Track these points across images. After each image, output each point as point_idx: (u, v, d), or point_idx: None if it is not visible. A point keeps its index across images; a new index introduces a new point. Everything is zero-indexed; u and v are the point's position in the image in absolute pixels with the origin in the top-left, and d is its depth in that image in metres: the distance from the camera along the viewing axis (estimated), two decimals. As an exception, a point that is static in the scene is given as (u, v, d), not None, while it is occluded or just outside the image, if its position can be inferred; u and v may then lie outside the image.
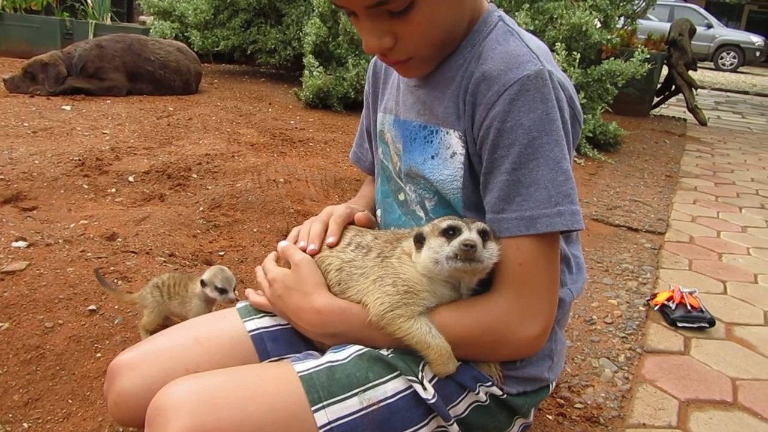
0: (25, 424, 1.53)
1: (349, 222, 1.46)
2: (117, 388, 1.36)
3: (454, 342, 1.21)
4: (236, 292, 1.83)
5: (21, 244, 2.19)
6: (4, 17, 8.33)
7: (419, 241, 1.20)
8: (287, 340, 1.43)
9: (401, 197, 1.45)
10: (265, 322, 1.47)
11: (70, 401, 1.62)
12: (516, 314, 1.18)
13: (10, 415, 1.53)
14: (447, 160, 1.28)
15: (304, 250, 1.38)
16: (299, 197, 3.49)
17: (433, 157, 1.31)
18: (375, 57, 1.59)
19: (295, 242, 1.43)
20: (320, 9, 6.04)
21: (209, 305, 1.85)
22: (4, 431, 1.51)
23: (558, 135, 1.14)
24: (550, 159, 1.13)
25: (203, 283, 1.80)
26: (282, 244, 1.46)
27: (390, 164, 1.49)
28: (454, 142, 1.26)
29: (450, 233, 1.15)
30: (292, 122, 5.43)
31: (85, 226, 2.75)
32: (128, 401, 1.34)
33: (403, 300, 1.22)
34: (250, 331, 1.45)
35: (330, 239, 1.37)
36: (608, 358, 2.34)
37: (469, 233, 1.13)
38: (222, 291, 1.80)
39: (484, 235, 1.14)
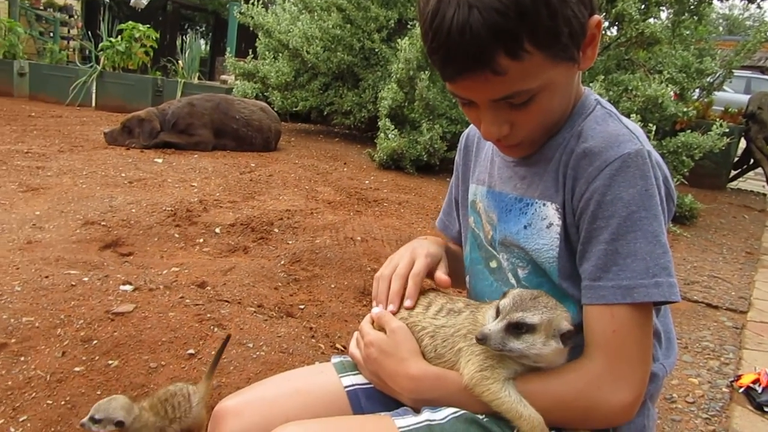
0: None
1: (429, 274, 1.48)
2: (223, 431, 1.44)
3: (545, 407, 1.23)
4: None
5: (128, 287, 2.37)
6: (104, 75, 9.05)
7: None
8: (380, 398, 1.48)
9: (493, 265, 1.51)
10: (360, 378, 1.53)
11: (169, 440, 1.72)
12: (608, 379, 1.21)
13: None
14: (542, 230, 1.33)
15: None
16: (375, 256, 3.59)
17: (526, 227, 1.37)
18: (466, 131, 1.69)
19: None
20: (398, 75, 6.29)
21: None
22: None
23: (656, 210, 1.19)
24: (648, 232, 1.18)
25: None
26: (375, 310, 1.52)
27: (482, 233, 1.56)
28: (550, 213, 1.32)
29: (497, 313, 1.18)
30: (367, 182, 5.61)
31: (176, 273, 2.92)
32: (232, 445, 1.42)
33: (489, 361, 1.26)
34: (346, 387, 1.52)
35: (407, 302, 1.40)
36: (691, 439, 2.27)
37: (491, 326, 1.16)
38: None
39: (518, 328, 1.16)
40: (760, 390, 2.55)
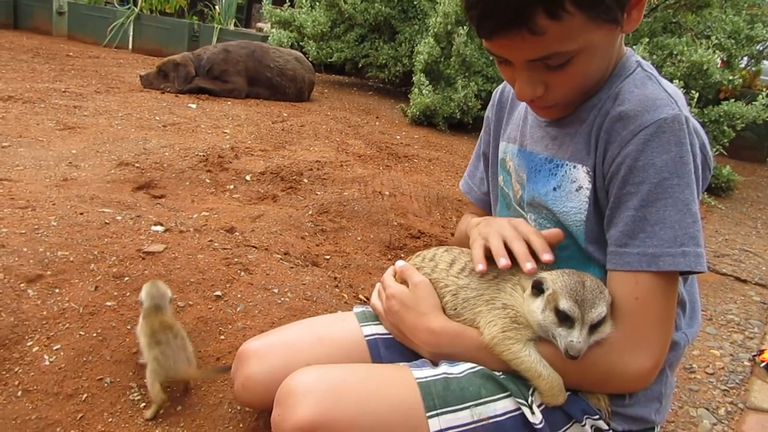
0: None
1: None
2: (246, 372, 1.49)
3: (565, 369, 1.25)
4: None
5: (159, 228, 2.42)
6: (142, 17, 9.06)
7: (537, 288, 1.24)
8: (399, 348, 1.52)
9: (520, 224, 1.51)
10: (381, 329, 1.57)
11: (194, 376, 1.78)
12: (628, 346, 1.21)
13: (145, 380, 1.71)
14: (571, 193, 1.32)
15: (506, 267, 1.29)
16: (403, 211, 3.60)
17: (555, 189, 1.36)
18: (501, 86, 1.67)
19: (486, 257, 1.33)
20: (436, 29, 6.17)
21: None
22: (140, 394, 1.68)
23: (689, 178, 1.17)
24: (679, 200, 1.16)
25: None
26: (400, 263, 1.54)
27: (510, 192, 1.55)
28: (581, 176, 1.30)
29: (563, 317, 1.16)
30: (398, 137, 5.57)
31: (206, 217, 2.97)
32: (254, 386, 1.48)
33: (513, 325, 1.28)
34: (366, 336, 1.56)
35: (546, 257, 1.25)
36: (707, 409, 2.28)
37: (578, 335, 1.14)
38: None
39: (597, 324, 1.16)
40: (782, 366, 2.54)
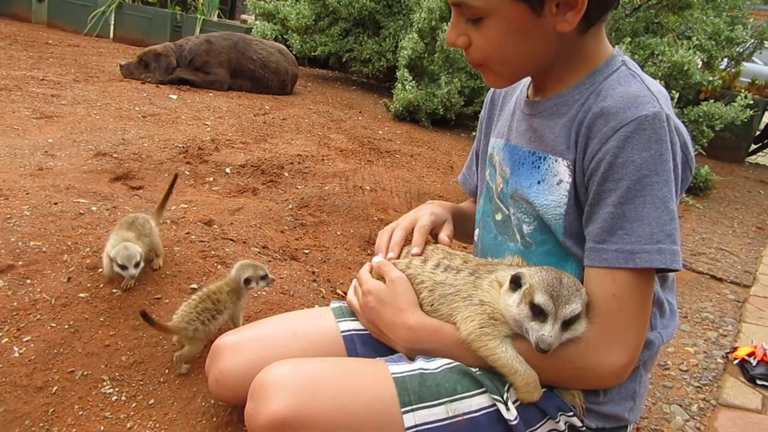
0: (131, 385, 1.69)
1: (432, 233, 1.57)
2: (220, 366, 1.48)
3: (540, 366, 1.25)
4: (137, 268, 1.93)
5: (135, 220, 2.38)
6: (123, 6, 8.91)
7: (515, 283, 1.24)
8: (375, 345, 1.51)
9: (498, 217, 1.51)
10: (357, 324, 1.56)
11: (167, 370, 1.76)
12: (603, 342, 1.22)
13: (117, 374, 1.69)
14: (553, 186, 1.32)
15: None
16: (383, 206, 3.59)
17: (539, 182, 1.36)
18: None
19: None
20: (420, 25, 6.16)
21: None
22: (112, 387, 1.66)
23: (668, 176, 1.17)
24: (657, 198, 1.17)
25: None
26: (376, 259, 1.54)
27: (493, 185, 1.56)
28: (561, 170, 1.31)
29: (537, 311, 1.18)
30: (380, 132, 5.56)
31: (185, 209, 2.94)
32: (228, 380, 1.46)
33: (490, 321, 1.28)
34: (342, 332, 1.55)
35: (414, 249, 1.47)
36: (680, 405, 2.31)
37: (551, 329, 1.16)
38: (122, 267, 1.91)
39: (571, 321, 1.18)
40: (754, 363, 2.57)
